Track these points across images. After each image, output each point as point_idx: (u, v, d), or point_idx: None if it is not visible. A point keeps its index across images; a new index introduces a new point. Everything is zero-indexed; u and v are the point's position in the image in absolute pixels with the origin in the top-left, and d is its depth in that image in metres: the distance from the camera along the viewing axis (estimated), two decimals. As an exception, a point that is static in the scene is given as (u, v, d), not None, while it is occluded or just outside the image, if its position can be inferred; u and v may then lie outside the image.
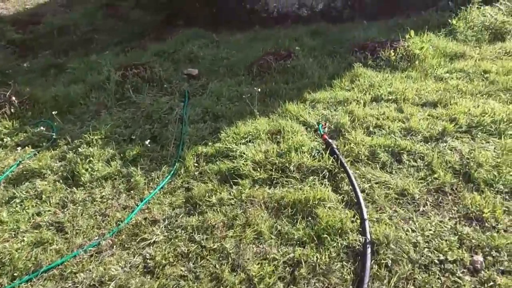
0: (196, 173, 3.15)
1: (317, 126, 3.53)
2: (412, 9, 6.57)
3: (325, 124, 3.55)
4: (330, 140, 3.23)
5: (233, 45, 6.17)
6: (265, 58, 5.00)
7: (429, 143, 3.15)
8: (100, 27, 8.87)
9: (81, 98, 4.75)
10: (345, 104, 3.88)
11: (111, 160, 3.43)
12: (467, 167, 2.82)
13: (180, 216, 2.74)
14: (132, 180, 3.17)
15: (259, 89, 3.96)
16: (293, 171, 2.98)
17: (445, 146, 3.08)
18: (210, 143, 3.50)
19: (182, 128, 3.84)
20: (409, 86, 4.05)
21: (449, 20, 5.50)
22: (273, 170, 3.02)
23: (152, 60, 5.64)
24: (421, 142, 3.18)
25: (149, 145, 3.50)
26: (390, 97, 3.90)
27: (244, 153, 3.20)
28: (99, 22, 9.10)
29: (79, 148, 3.58)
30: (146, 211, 2.86)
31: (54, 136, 3.90)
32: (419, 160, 2.98)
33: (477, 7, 5.66)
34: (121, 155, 3.49)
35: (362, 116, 3.57)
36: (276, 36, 6.22)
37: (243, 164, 3.08)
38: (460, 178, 2.75)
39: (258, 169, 3.05)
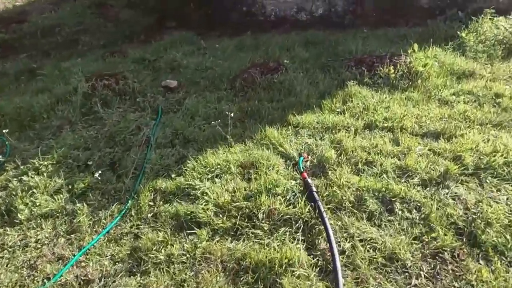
0: (149, 215, 2.67)
1: (297, 159, 3.02)
2: (418, 18, 6.02)
3: (307, 157, 3.05)
4: (309, 181, 2.72)
5: (221, 53, 5.66)
6: (250, 71, 4.50)
7: (428, 189, 2.63)
8: (88, 27, 8.39)
9: (45, 111, 4.28)
10: (334, 131, 3.36)
11: (57, 193, 2.95)
12: (473, 225, 2.30)
13: (120, 275, 2.26)
14: (75, 220, 2.70)
15: (232, 114, 3.45)
16: (262, 220, 2.49)
17: (447, 193, 2.57)
18: (173, 175, 3.02)
19: (146, 154, 3.36)
20: (408, 111, 3.52)
21: (458, 32, 4.94)
22: (239, 217, 2.53)
23: (130, 69, 5.16)
24: (418, 186, 2.66)
25: (99, 178, 3.02)
26: (385, 125, 3.38)
27: (206, 194, 2.71)
28: (88, 21, 8.62)
29: (23, 176, 3.13)
30: (83, 263, 2.39)
31: (1, 159, 3.44)
32: (414, 211, 2.47)
33: (490, 18, 5.09)
34: (70, 186, 3.01)
35: (351, 149, 3.05)
36: (268, 43, 5.70)
37: (203, 208, 2.59)
38: (464, 240, 2.24)
39: (221, 215, 2.56)
